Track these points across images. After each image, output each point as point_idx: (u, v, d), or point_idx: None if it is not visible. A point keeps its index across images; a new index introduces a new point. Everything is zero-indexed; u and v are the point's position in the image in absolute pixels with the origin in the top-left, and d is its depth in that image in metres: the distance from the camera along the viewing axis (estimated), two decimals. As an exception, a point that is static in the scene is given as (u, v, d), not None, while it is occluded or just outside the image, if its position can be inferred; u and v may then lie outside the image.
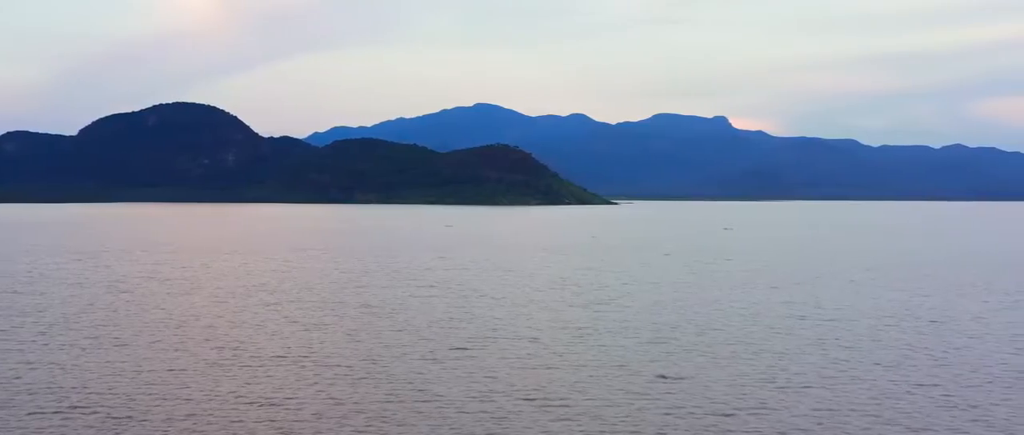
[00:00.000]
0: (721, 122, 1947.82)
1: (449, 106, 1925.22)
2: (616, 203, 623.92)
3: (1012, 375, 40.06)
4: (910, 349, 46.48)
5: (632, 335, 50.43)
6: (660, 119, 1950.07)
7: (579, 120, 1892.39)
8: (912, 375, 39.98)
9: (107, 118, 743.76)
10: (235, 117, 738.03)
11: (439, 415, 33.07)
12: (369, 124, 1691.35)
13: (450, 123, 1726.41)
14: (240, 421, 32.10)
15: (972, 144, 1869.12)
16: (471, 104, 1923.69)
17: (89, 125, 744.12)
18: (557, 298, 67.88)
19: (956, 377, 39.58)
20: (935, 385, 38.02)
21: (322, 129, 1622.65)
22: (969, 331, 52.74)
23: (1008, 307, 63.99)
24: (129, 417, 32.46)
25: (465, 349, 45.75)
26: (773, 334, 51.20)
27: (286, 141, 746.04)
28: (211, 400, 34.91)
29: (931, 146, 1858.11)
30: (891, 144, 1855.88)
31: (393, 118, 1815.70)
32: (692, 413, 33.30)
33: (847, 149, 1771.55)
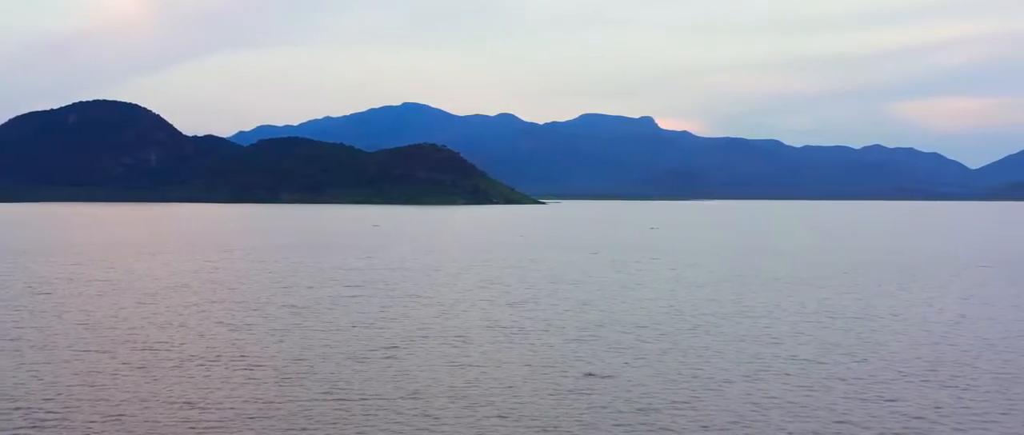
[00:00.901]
0: (647, 122, 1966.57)
1: (376, 105, 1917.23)
2: (544, 202, 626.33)
3: (926, 368, 41.08)
4: (830, 344, 47.44)
5: (559, 334, 50.69)
6: (587, 119, 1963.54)
7: (507, 119, 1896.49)
8: (832, 369, 40.81)
9: (25, 116, 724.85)
10: (158, 116, 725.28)
11: (366, 415, 32.89)
12: (295, 123, 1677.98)
13: (377, 122, 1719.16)
14: (162, 423, 31.57)
15: (890, 145, 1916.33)
16: (398, 103, 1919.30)
17: (6, 123, 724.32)
18: (485, 297, 67.95)
19: (874, 371, 40.50)
20: (855, 379, 38.85)
21: (247, 128, 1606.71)
22: (887, 327, 53.98)
23: (924, 303, 65.62)
24: (46, 421, 31.70)
25: (392, 349, 45.56)
26: (698, 331, 51.86)
27: (210, 140, 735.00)
28: (132, 403, 34.28)
29: (851, 146, 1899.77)
30: (813, 144, 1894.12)
31: (320, 117, 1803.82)
32: (619, 410, 33.58)
33: (770, 149, 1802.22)
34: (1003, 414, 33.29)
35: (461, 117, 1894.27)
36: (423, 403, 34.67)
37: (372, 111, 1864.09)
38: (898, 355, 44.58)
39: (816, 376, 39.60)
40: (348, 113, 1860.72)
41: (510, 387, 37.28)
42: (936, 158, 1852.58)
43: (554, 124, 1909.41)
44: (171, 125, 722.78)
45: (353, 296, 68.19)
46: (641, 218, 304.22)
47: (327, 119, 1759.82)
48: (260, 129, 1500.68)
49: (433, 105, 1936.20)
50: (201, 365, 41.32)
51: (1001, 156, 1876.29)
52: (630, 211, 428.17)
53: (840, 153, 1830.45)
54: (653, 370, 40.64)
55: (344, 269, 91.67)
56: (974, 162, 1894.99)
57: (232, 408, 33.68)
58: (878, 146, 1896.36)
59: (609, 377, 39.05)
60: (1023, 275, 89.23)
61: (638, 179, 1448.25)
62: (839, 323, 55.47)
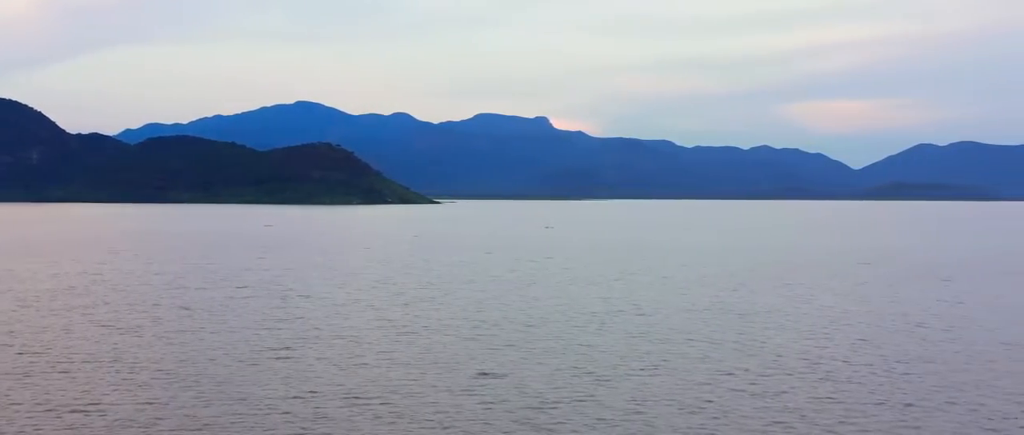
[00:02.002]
0: (542, 122, 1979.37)
1: (269, 104, 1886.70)
2: (439, 202, 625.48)
3: (808, 363, 42.49)
4: (718, 341, 48.67)
5: (454, 333, 50.90)
6: (482, 119, 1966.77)
7: (402, 119, 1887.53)
8: (720, 365, 41.90)
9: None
10: (40, 112, 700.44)
11: (258, 416, 32.61)
12: (185, 121, 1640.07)
13: (270, 121, 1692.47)
14: (46, 431, 30.80)
15: (778, 145, 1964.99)
16: (292, 102, 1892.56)
17: None
18: (379, 297, 67.75)
19: (760, 366, 41.72)
20: (742, 374, 39.97)
21: (135, 126, 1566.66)
22: (772, 323, 55.58)
23: (805, 300, 67.71)
24: (-77, 429, 30.64)
25: (285, 350, 45.16)
26: (591, 329, 52.63)
27: (96, 138, 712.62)
28: (14, 410, 33.33)
29: (740, 147, 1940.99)
30: (704, 145, 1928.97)
31: (210, 115, 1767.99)
32: (512, 408, 33.94)
33: (663, 150, 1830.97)
34: (877, 406, 34.66)
35: (355, 116, 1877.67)
36: (316, 403, 34.51)
37: (264, 110, 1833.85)
38: (782, 350, 45.99)
39: (704, 371, 40.61)
40: (240, 112, 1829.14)
41: (404, 386, 37.36)
42: (821, 158, 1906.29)
43: (449, 124, 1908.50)
44: (53, 122, 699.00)
45: (245, 297, 67.26)
46: (536, 217, 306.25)
47: (218, 117, 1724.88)
48: (148, 127, 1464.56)
49: (327, 104, 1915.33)
50: (87, 369, 40.34)
51: (882, 157, 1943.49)
52: (525, 210, 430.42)
53: (730, 153, 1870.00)
54: (546, 368, 41.15)
55: (236, 270, 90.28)
56: (856, 162, 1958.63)
57: (119, 413, 33.02)
58: (766, 147, 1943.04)
59: (503, 375, 39.41)
60: (900, 272, 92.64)
61: (533, 179, 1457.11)
62: (726, 320, 56.89)
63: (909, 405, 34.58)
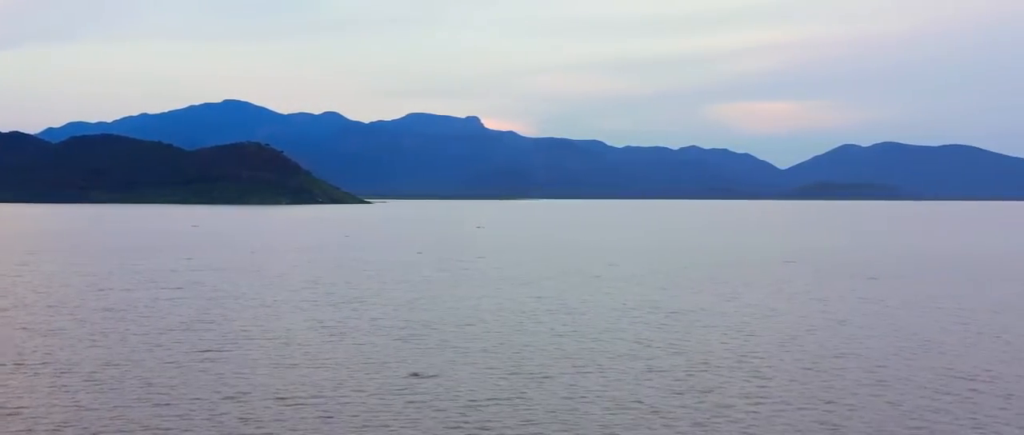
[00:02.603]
0: (473, 122, 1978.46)
1: (196, 102, 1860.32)
2: (370, 202, 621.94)
3: (735, 360, 43.12)
4: (647, 339, 49.16)
5: (385, 334, 50.69)
6: (413, 118, 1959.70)
7: (332, 118, 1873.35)
8: (649, 363, 42.32)
9: None
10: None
11: (184, 419, 32.14)
12: (109, 119, 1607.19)
13: (197, 119, 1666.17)
14: (-35, 435, 30.04)
15: (706, 146, 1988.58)
16: (220, 100, 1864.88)
17: None
18: (309, 298, 67.19)
19: (688, 364, 42.23)
20: (671, 371, 40.43)
21: (57, 124, 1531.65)
22: (700, 321, 56.29)
23: (732, 298, 68.66)
24: None
25: (213, 351, 44.57)
26: (523, 328, 52.80)
27: (15, 137, 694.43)
28: (-69, 414, 32.43)
29: (670, 147, 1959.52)
30: (634, 145, 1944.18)
31: (136, 114, 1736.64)
32: (444, 408, 33.92)
33: (593, 150, 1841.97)
34: (802, 401, 35.30)
35: (285, 115, 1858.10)
36: (245, 405, 34.13)
37: (192, 108, 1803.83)
38: (709, 348, 46.60)
39: (634, 370, 40.98)
40: (166, 110, 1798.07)
41: (334, 388, 37.11)
42: (748, 159, 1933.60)
43: (380, 123, 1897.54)
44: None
45: (171, 298, 66.22)
46: (467, 217, 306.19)
47: (143, 116, 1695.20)
48: (71, 125, 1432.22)
49: (256, 103, 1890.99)
50: (5, 373, 39.39)
51: (808, 157, 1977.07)
52: (456, 210, 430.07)
53: (659, 154, 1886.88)
54: (478, 367, 41.19)
55: (162, 271, 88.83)
56: (783, 163, 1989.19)
57: (41, 416, 32.31)
58: (695, 147, 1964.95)
59: (434, 376, 39.35)
60: (825, 270, 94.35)
61: (465, 178, 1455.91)
62: (655, 318, 57.45)
63: (832, 401, 35.27)
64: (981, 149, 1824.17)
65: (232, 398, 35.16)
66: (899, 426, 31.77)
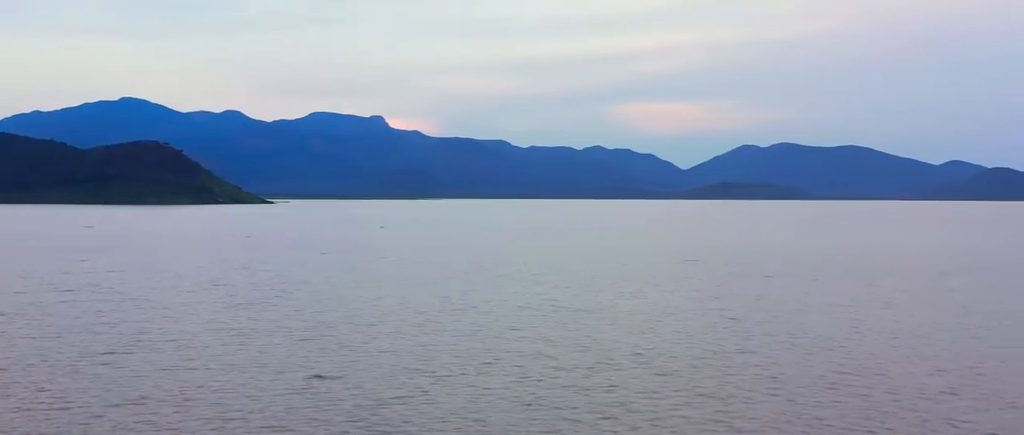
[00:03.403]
0: (378, 122, 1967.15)
1: (91, 99, 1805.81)
2: (272, 202, 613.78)
3: (636, 358, 43.84)
4: (551, 338, 49.66)
5: (287, 335, 50.21)
6: (317, 117, 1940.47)
7: (233, 117, 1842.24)
8: (553, 361, 42.78)
9: None
10: None
11: (80, 425, 31.44)
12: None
13: (93, 117, 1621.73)
14: None
15: (610, 146, 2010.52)
16: (116, 97, 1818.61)
17: None
18: (210, 299, 66.13)
19: (591, 361, 42.84)
20: (574, 369, 40.93)
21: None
22: (603, 319, 57.05)
23: (634, 297, 69.74)
24: None
25: (110, 354, 43.59)
26: (426, 328, 52.80)
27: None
28: None
29: (574, 147, 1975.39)
30: (538, 145, 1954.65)
31: (28, 111, 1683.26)
32: (346, 410, 33.83)
33: (498, 149, 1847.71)
34: (701, 397, 36.10)
35: (184, 113, 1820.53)
36: (144, 409, 33.53)
37: (86, 106, 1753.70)
38: (612, 346, 47.28)
39: (539, 367, 41.38)
40: (59, 107, 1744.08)
41: (236, 390, 36.68)
42: (651, 159, 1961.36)
43: (283, 122, 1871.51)
44: None
45: (64, 301, 64.48)
46: (371, 217, 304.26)
47: (36, 113, 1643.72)
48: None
49: (154, 100, 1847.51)
50: None
51: (709, 157, 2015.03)
52: (360, 210, 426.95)
53: (563, 153, 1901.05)
54: (381, 368, 41.13)
55: (54, 273, 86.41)
56: (685, 163, 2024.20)
57: (-72, 424, 31.29)
58: (599, 147, 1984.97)
59: (337, 377, 39.16)
60: (724, 268, 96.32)
61: (369, 178, 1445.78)
62: (559, 317, 58.02)
63: (730, 397, 36.14)
64: (874, 150, 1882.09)
65: (130, 403, 34.49)
66: (794, 420, 32.70)
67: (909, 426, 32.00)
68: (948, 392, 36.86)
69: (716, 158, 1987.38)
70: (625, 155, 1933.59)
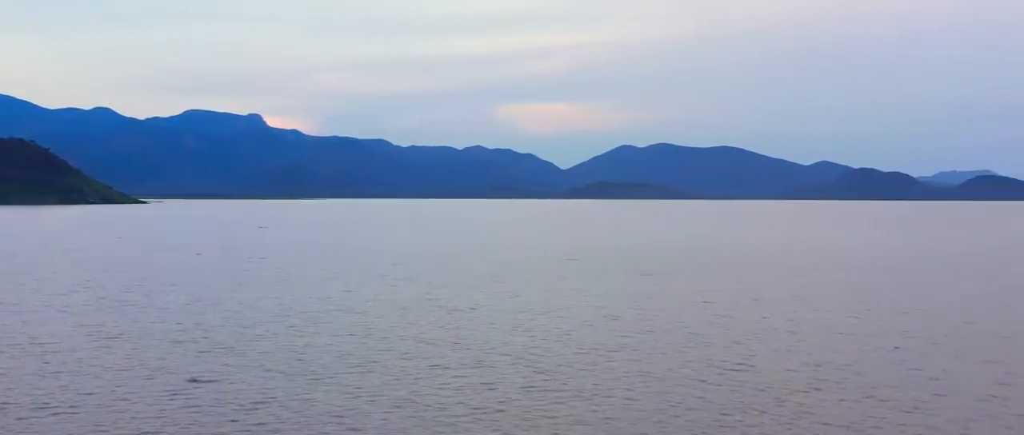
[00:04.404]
0: (255, 120, 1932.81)
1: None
2: (145, 202, 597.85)
3: (514, 356, 44.33)
4: (429, 338, 49.77)
5: (161, 338, 49.11)
6: (192, 115, 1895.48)
7: (104, 114, 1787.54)
8: (431, 361, 42.94)
9: None
10: None
11: (-59, 434, 30.28)
12: None
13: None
14: None
15: (490, 145, 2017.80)
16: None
17: None
18: (80, 302, 64.15)
19: (470, 360, 43.15)
20: (453, 368, 41.17)
21: None
22: (480, 318, 57.42)
23: (513, 296, 70.35)
24: None
25: (-28, 361, 41.96)
26: (305, 329, 52.33)
27: None
28: None
29: (455, 146, 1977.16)
30: (419, 144, 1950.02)
31: None
32: (223, 413, 33.37)
33: (378, 148, 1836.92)
34: (578, 394, 36.74)
35: (52, 110, 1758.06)
36: (6, 417, 32.44)
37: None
38: (490, 344, 47.67)
39: (417, 367, 41.47)
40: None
41: (107, 395, 35.77)
42: (531, 159, 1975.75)
43: (156, 120, 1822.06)
44: None
45: (-76, 306, 61.74)
46: (249, 217, 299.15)
47: None
48: None
49: (18, 96, 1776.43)
50: None
51: (588, 157, 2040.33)
52: (238, 210, 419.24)
53: (444, 153, 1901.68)
54: (259, 370, 40.63)
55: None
56: (564, 163, 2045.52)
57: None
58: (480, 147, 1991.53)
59: (213, 380, 38.52)
60: (603, 267, 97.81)
61: (247, 178, 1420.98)
62: (438, 316, 58.15)
63: (607, 393, 36.87)
64: (746, 150, 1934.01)
65: (-7, 410, 33.33)
66: (669, 416, 33.54)
67: (777, 419, 33.15)
68: (814, 385, 38.26)
69: (595, 158, 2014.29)
70: (506, 155, 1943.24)
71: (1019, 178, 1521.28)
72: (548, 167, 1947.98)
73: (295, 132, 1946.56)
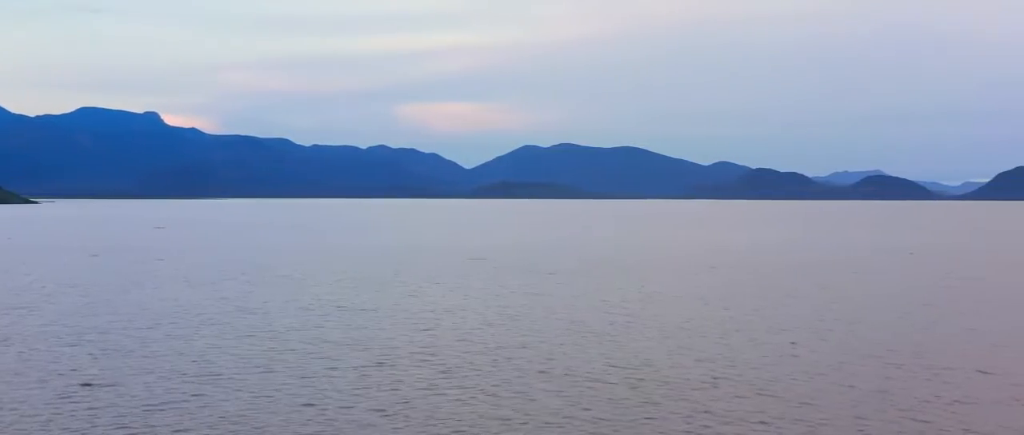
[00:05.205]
0: (152, 118, 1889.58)
1: None
2: (36, 202, 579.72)
3: (416, 356, 44.34)
4: (331, 338, 49.55)
5: (53, 341, 47.80)
6: (86, 112, 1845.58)
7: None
8: (333, 361, 42.74)
9: None
10: None
11: None
12: None
13: None
14: None
15: (394, 145, 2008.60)
16: None
17: None
18: (-34, 306, 62.00)
19: (371, 360, 43.03)
20: (354, 368, 41.02)
21: None
22: (383, 318, 57.29)
23: (415, 296, 70.28)
24: None
25: None
26: (204, 331, 51.50)
27: None
28: None
29: (358, 146, 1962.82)
30: (322, 144, 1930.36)
31: None
32: (118, 416, 32.67)
33: (280, 148, 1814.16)
34: (479, 392, 36.95)
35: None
36: None
37: None
38: (392, 344, 47.59)
39: (319, 367, 41.18)
40: None
41: (-4, 400, 34.75)
42: (435, 158, 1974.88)
43: (48, 117, 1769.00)
44: None
45: None
46: (146, 217, 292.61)
47: None
48: None
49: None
50: None
51: (492, 157, 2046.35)
52: (135, 210, 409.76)
53: (348, 152, 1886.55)
54: (156, 373, 39.87)
55: None
56: (468, 162, 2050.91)
57: None
58: (383, 146, 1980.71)
59: (108, 384, 37.66)
60: (507, 267, 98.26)
61: (144, 177, 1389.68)
62: (341, 316, 57.81)
63: (509, 392, 37.14)
64: (648, 151, 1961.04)
65: None
66: (568, 414, 33.89)
67: (676, 415, 33.79)
68: (712, 382, 39.08)
69: (499, 158, 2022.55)
70: (410, 154, 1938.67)
71: (908, 178, 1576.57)
72: (452, 167, 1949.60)
73: (194, 130, 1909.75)
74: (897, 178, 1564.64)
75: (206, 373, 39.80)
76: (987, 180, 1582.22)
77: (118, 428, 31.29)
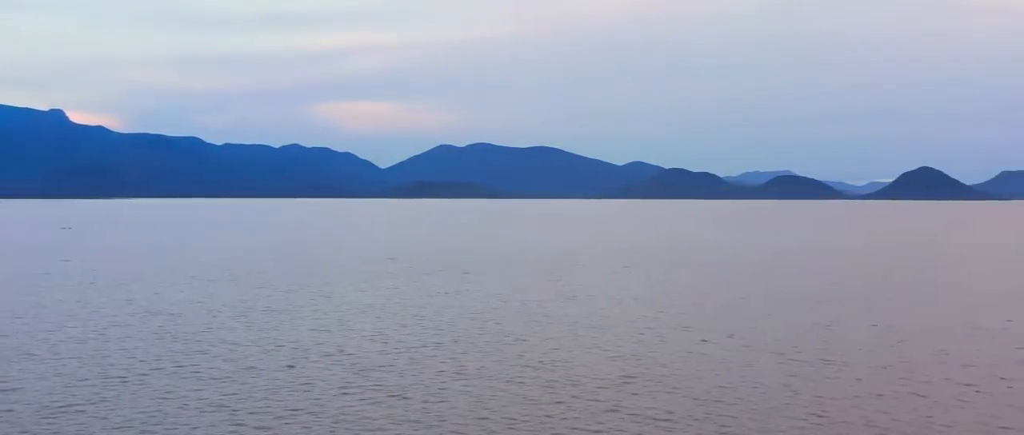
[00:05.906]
0: (57, 115, 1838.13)
1: None
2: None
3: (330, 356, 44.09)
4: (243, 339, 49.00)
5: (-48, 345, 46.41)
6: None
7: None
8: (245, 362, 42.32)
9: None
10: None
11: None
12: None
13: None
14: None
15: (308, 144, 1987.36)
16: None
17: None
18: None
19: (284, 361, 42.74)
20: (267, 370, 40.65)
21: None
22: (295, 319, 56.78)
23: (327, 296, 69.82)
24: None
25: None
26: (112, 333, 50.50)
27: None
28: None
29: (271, 145, 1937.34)
30: (234, 142, 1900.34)
31: None
32: (18, 422, 31.96)
33: (191, 147, 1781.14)
34: (396, 396, 36.90)
35: None
36: None
37: None
38: (305, 345, 47.29)
39: (229, 369, 40.74)
40: None
41: None
42: (350, 158, 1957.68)
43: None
44: None
45: None
46: (51, 218, 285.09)
47: None
48: None
49: None
50: None
51: (408, 157, 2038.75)
52: (38, 210, 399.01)
53: (260, 151, 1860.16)
54: (61, 376, 39.01)
55: None
56: (383, 162, 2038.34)
57: None
58: (296, 145, 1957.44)
59: (10, 389, 36.75)
60: (422, 266, 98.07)
61: (47, 176, 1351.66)
62: (251, 317, 57.15)
63: (422, 393, 37.17)
64: (563, 150, 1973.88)
65: None
66: (482, 413, 34.06)
67: (589, 413, 34.17)
68: (625, 380, 39.57)
69: (415, 157, 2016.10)
70: (323, 154, 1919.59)
71: (816, 178, 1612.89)
72: (367, 166, 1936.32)
73: (101, 129, 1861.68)
74: (805, 178, 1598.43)
75: (112, 376, 39.06)
76: (891, 180, 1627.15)
77: (20, 433, 30.57)
